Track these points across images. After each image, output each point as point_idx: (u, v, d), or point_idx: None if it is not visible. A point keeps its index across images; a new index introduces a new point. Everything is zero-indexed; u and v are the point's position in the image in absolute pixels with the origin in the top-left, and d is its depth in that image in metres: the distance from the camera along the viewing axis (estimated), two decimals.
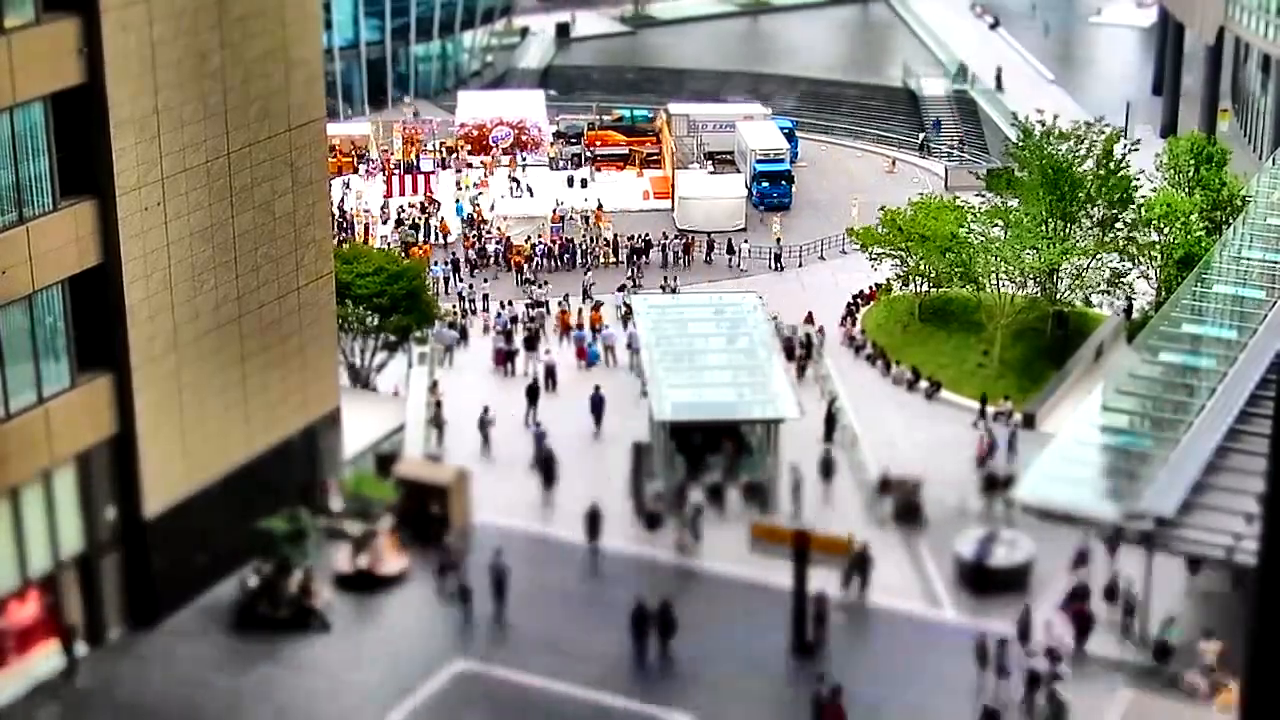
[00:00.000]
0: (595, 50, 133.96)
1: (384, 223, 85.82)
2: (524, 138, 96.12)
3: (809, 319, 67.84)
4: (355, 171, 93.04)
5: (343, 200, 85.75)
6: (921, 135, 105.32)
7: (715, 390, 54.87)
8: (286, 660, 44.33)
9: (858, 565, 46.70)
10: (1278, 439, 28.22)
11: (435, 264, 78.69)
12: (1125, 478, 46.61)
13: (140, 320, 42.93)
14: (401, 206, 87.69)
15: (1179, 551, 44.72)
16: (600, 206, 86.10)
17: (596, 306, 70.15)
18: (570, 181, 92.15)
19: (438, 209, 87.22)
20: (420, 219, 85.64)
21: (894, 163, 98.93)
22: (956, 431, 58.75)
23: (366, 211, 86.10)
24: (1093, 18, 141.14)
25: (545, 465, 53.66)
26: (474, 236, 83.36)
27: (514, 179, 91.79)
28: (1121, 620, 45.46)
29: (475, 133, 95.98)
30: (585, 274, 77.95)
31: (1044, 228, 66.50)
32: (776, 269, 79.99)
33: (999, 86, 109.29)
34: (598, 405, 58.19)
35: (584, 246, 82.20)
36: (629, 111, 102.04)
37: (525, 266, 79.63)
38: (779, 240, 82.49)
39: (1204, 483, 45.71)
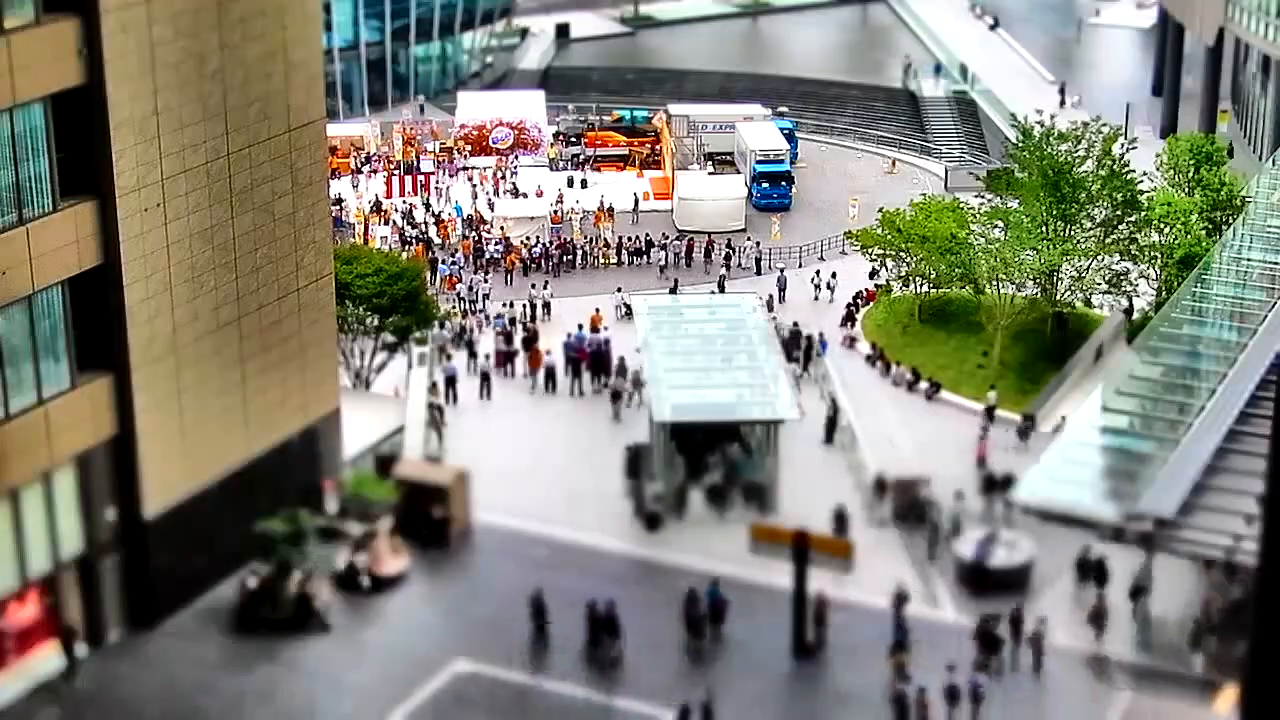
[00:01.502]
0: (595, 51, 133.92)
1: (385, 223, 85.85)
2: (524, 138, 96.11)
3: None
4: (357, 172, 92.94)
5: (340, 200, 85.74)
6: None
7: (715, 391, 54.87)
8: (286, 661, 44.36)
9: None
10: (1278, 440, 28.28)
11: (444, 263, 78.79)
12: (1125, 479, 46.62)
13: (140, 321, 42.94)
14: (407, 205, 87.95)
15: (1179, 552, 44.73)
16: (610, 208, 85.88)
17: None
18: (570, 182, 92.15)
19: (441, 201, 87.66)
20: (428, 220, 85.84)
21: (894, 163, 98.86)
22: (957, 432, 58.72)
23: (371, 209, 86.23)
24: (1092, 19, 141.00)
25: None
26: (473, 237, 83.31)
27: (513, 183, 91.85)
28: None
29: (475, 133, 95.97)
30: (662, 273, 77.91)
31: (1044, 229, 66.49)
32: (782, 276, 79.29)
33: (1062, 103, 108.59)
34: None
35: (584, 248, 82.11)
36: (629, 112, 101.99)
37: (515, 269, 79.32)
38: (758, 244, 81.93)
39: (1204, 484, 45.72)
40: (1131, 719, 41.30)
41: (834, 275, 74.17)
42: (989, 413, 60.03)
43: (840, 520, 50.62)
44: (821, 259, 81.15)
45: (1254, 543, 38.46)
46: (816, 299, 73.97)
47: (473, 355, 64.69)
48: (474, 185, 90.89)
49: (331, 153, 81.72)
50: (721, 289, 74.90)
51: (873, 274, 71.79)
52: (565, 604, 47.10)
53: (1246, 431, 48.07)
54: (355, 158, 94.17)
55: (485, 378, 62.18)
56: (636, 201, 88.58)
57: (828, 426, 58.28)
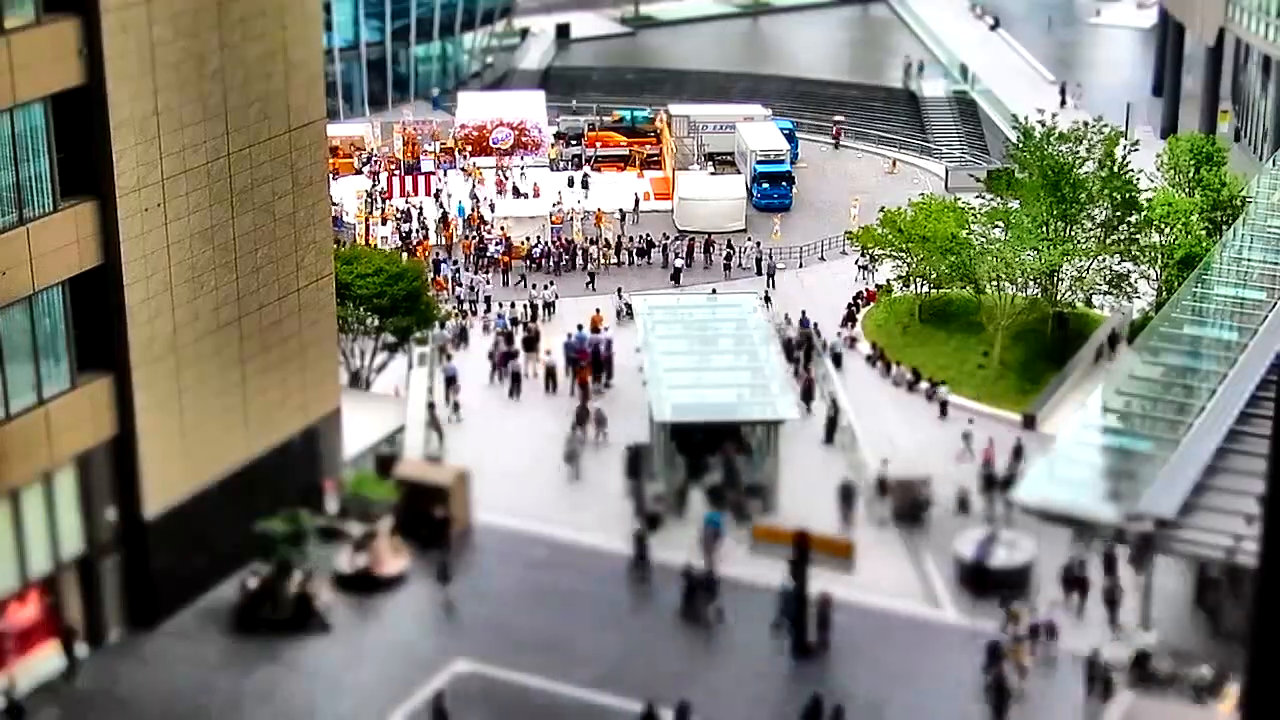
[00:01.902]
0: (595, 51, 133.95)
1: (383, 223, 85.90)
2: (524, 139, 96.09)
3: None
4: (358, 172, 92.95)
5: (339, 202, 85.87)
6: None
7: (715, 391, 54.86)
8: (286, 661, 44.36)
9: None
10: (1278, 440, 28.25)
11: (443, 263, 78.86)
12: (1125, 479, 46.61)
13: (140, 321, 42.94)
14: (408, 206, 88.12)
15: (1179, 553, 44.72)
16: (622, 213, 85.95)
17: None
18: (570, 182, 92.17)
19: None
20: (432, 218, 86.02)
21: (894, 163, 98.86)
22: (957, 432, 58.69)
23: (374, 207, 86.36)
24: (1092, 19, 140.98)
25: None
26: (473, 237, 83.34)
27: (514, 184, 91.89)
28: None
29: (475, 133, 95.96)
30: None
31: (1044, 229, 66.47)
32: (768, 277, 79.34)
33: (1063, 103, 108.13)
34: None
35: (584, 248, 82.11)
36: (629, 112, 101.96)
37: (511, 268, 79.43)
38: (758, 244, 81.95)
39: (1204, 484, 45.70)
40: (1131, 719, 41.23)
41: (873, 259, 74.77)
42: (943, 407, 60.88)
43: (847, 495, 50.85)
44: (822, 259, 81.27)
45: (1254, 543, 38.45)
46: (859, 279, 76.15)
47: (497, 363, 64.55)
48: (474, 185, 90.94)
49: (332, 153, 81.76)
50: (675, 280, 76.75)
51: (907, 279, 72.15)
52: (566, 604, 47.20)
53: (1246, 431, 48.04)
54: (356, 157, 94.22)
55: (516, 379, 62.54)
56: (637, 201, 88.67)
57: (828, 426, 58.27)
